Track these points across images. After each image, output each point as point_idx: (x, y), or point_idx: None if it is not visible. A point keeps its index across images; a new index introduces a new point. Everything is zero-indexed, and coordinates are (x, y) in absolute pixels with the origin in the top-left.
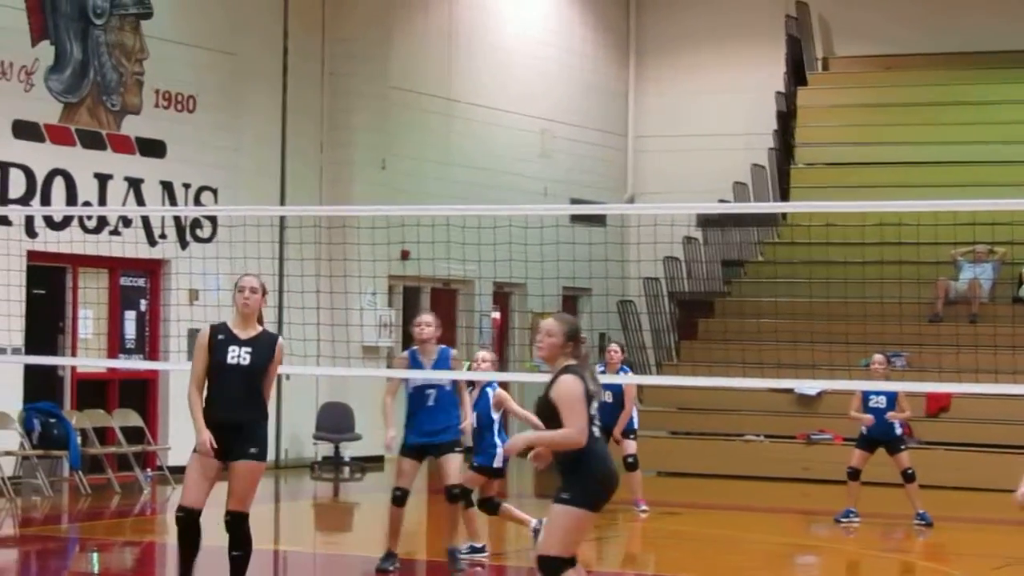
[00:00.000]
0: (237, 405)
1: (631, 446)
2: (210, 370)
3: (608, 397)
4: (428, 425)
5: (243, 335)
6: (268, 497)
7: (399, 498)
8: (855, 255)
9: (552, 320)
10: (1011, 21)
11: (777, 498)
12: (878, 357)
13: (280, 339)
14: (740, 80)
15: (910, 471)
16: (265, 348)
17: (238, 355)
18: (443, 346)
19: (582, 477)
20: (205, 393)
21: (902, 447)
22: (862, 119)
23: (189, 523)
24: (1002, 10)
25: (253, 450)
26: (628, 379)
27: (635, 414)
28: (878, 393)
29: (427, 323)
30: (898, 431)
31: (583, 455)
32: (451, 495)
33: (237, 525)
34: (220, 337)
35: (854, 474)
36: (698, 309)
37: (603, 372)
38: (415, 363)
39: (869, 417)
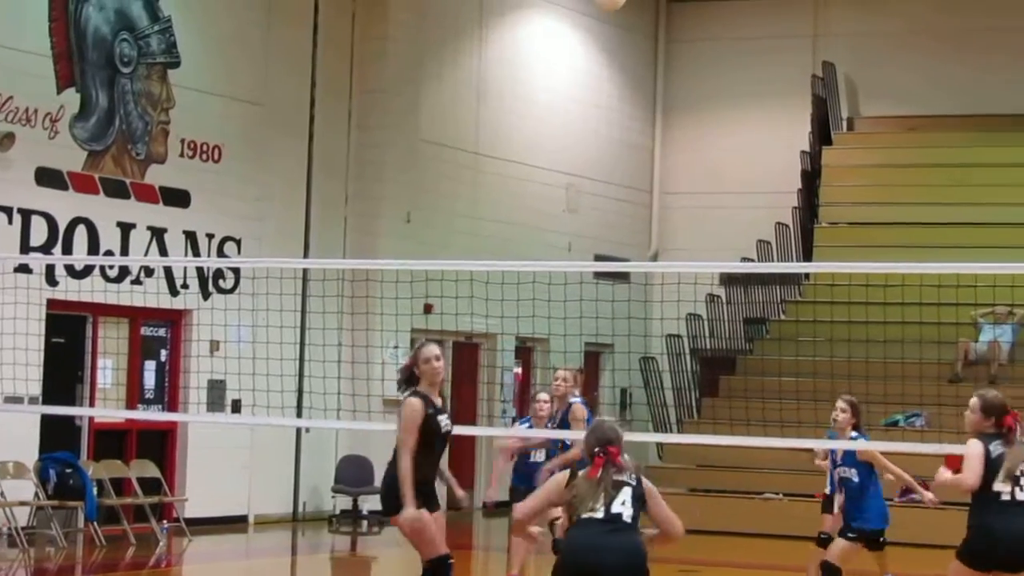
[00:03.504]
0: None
1: None
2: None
3: (541, 455)
4: None
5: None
6: (285, 550)
7: None
8: (877, 315)
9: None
10: None
11: (795, 557)
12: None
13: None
14: (765, 138)
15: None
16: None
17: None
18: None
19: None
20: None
21: None
22: (886, 179)
23: None
24: None
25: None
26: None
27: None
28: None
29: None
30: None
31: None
32: None
33: None
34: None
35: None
36: (720, 366)
37: (530, 427)
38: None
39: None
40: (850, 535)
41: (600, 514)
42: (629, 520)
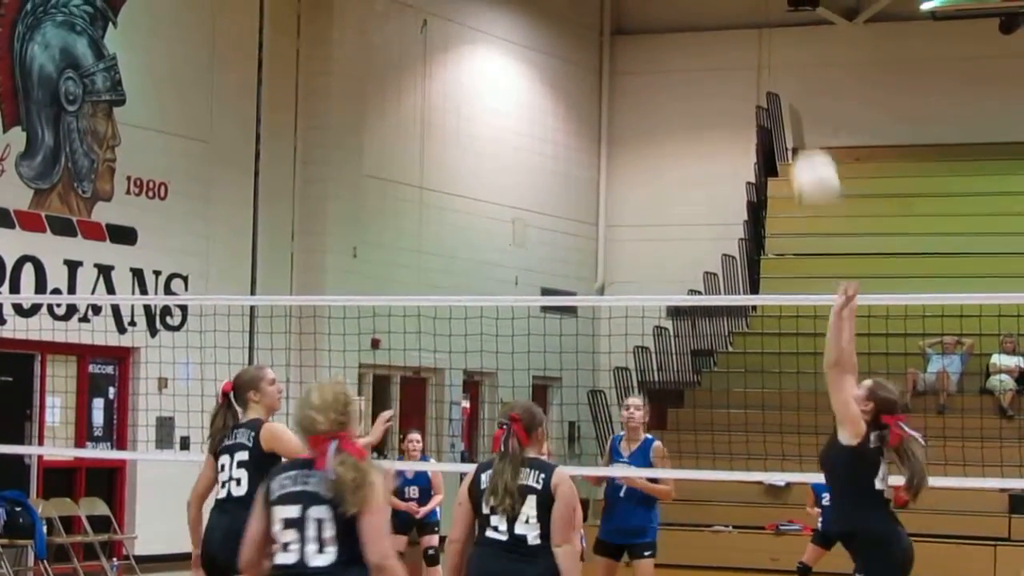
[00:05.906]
0: None
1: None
2: None
3: (415, 492)
4: (621, 522)
5: None
6: None
7: None
8: (825, 346)
9: None
10: (979, 114)
11: None
12: None
13: None
14: (711, 170)
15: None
16: None
17: None
18: (648, 436)
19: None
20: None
21: None
22: (832, 210)
23: None
24: (970, 104)
25: None
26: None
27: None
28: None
29: (636, 406)
30: None
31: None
32: None
33: None
34: None
35: (804, 570)
36: (668, 399)
37: (401, 459)
38: (615, 452)
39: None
40: None
41: (504, 536)
42: (536, 542)
